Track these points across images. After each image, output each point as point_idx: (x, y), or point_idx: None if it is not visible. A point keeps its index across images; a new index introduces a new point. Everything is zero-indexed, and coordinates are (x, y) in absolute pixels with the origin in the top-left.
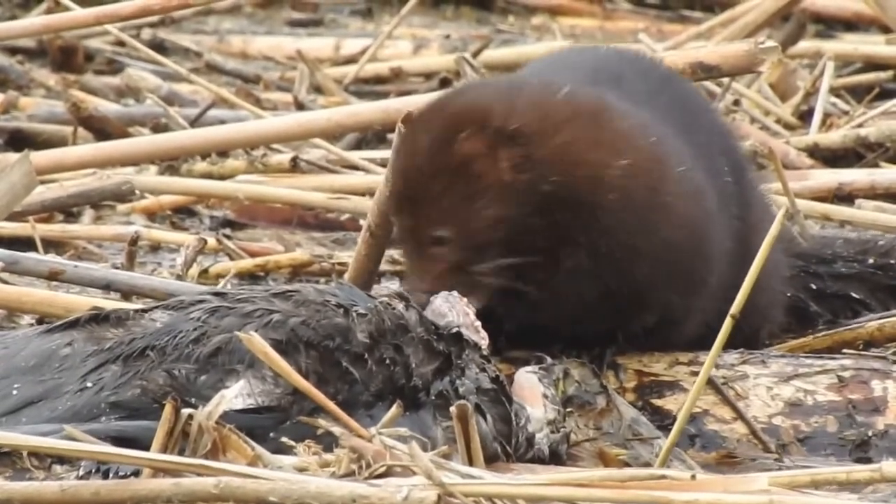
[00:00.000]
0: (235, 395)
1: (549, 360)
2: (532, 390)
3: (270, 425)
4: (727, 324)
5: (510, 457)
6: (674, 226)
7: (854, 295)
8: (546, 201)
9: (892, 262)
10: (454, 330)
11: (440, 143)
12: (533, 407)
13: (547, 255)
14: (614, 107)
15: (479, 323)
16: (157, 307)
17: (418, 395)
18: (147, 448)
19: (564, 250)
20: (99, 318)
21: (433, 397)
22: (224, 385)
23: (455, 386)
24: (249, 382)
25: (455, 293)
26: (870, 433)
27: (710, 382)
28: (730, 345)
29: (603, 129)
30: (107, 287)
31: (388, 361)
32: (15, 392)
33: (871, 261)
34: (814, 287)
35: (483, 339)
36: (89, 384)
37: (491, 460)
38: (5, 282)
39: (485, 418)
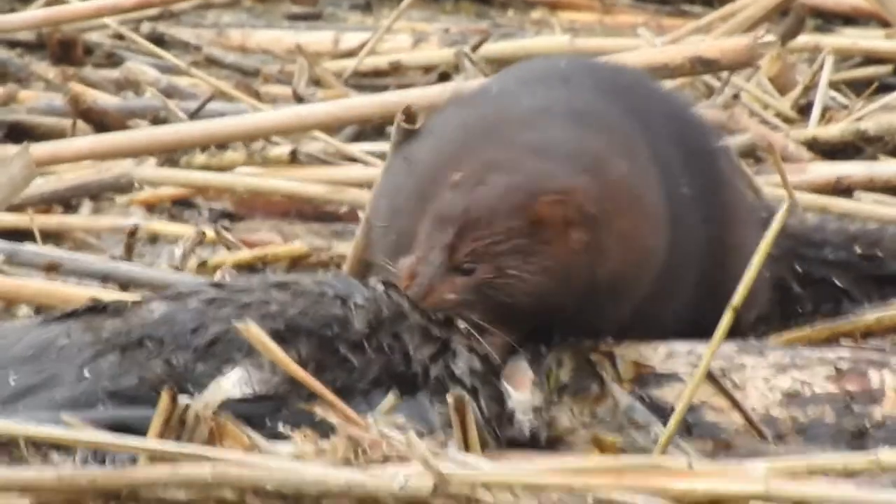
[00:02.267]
0: (233, 384)
1: (543, 348)
2: (522, 376)
3: (267, 413)
4: (728, 316)
5: (499, 439)
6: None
7: (837, 282)
8: (589, 284)
9: (878, 253)
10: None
11: (519, 193)
12: (519, 391)
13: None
14: (650, 182)
15: None
16: (154, 298)
17: (416, 380)
18: (144, 436)
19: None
20: (96, 308)
21: (430, 381)
22: (222, 374)
23: (451, 369)
24: (247, 371)
25: None
26: (867, 424)
27: (707, 374)
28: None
29: (647, 217)
30: (104, 279)
31: (386, 349)
32: (13, 382)
33: (858, 250)
34: (799, 269)
35: None
36: (87, 374)
37: (483, 443)
38: (4, 273)
39: (479, 400)
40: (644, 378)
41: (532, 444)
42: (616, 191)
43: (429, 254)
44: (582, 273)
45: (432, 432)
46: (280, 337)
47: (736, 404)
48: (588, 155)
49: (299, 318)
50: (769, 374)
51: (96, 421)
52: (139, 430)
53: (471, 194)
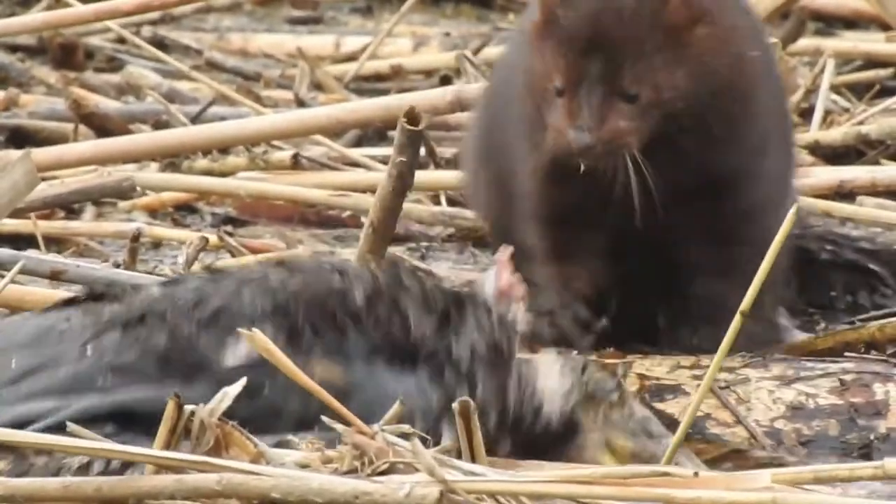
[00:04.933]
0: (237, 358)
1: (573, 352)
2: (550, 368)
3: (266, 378)
4: (735, 324)
5: (506, 430)
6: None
7: (872, 266)
8: (718, 82)
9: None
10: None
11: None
12: (547, 378)
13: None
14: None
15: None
16: (153, 284)
17: (417, 353)
18: (147, 421)
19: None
20: (95, 296)
21: (429, 359)
22: (225, 345)
23: (449, 350)
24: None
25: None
26: (871, 436)
27: (710, 388)
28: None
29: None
30: (109, 286)
31: (386, 317)
32: (14, 365)
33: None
34: (828, 249)
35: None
36: (89, 352)
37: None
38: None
39: (475, 385)
40: (648, 390)
41: (565, 433)
42: None
43: (578, 87)
44: (719, 70)
45: (429, 409)
46: (281, 309)
47: (738, 418)
48: None
49: (300, 290)
50: (773, 387)
51: (99, 409)
52: (143, 414)
53: (602, 15)
